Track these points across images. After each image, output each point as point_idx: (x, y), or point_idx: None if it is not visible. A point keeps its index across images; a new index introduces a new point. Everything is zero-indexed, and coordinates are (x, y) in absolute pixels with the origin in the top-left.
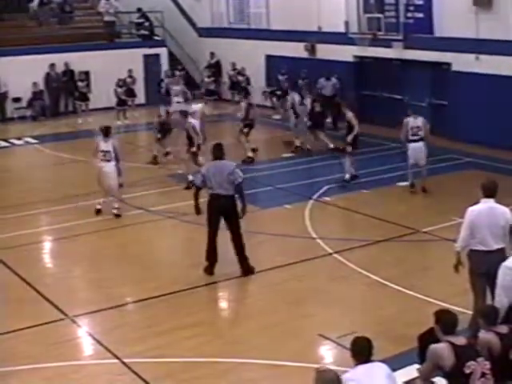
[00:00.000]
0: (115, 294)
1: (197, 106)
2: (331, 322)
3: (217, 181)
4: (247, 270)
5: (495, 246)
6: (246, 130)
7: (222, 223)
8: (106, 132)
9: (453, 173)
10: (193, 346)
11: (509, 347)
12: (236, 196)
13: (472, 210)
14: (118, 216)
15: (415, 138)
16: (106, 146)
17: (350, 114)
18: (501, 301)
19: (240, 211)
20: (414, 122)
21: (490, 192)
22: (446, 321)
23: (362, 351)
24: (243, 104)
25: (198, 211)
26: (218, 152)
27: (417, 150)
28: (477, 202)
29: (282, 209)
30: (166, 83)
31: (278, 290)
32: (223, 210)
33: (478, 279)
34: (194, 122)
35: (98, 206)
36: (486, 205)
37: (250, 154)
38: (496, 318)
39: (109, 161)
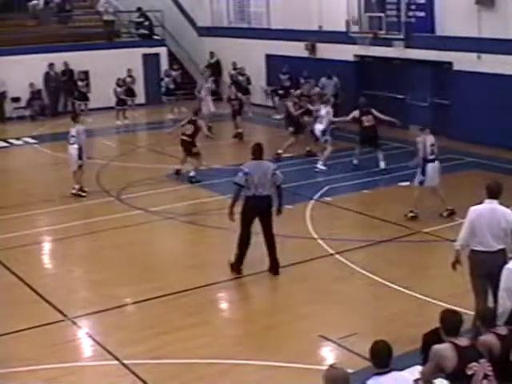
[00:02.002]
0: (115, 295)
1: (324, 110)
2: (332, 322)
3: (260, 181)
4: (277, 268)
5: (496, 247)
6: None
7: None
8: (73, 118)
9: (454, 173)
10: (193, 347)
11: (509, 348)
12: (272, 196)
13: (473, 210)
14: (77, 196)
15: (432, 157)
16: (72, 130)
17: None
18: (504, 303)
19: (277, 210)
20: (430, 138)
21: (493, 193)
22: (448, 321)
23: (379, 357)
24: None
25: (232, 216)
26: (259, 152)
27: (435, 171)
28: (480, 202)
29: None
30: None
31: (278, 291)
32: (261, 211)
33: (479, 280)
34: (318, 126)
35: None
36: (489, 205)
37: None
38: (494, 319)
39: (72, 144)
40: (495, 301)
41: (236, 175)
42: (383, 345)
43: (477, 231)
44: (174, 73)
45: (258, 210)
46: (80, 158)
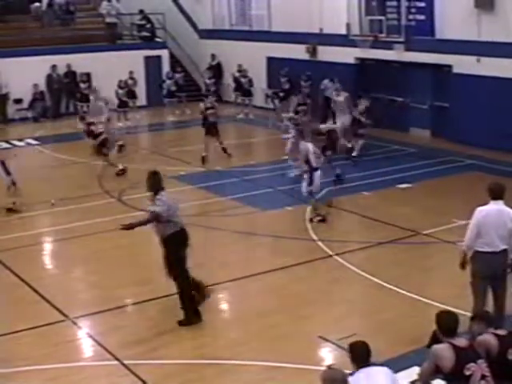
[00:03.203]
0: (115, 296)
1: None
2: (331, 324)
3: (177, 211)
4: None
5: (500, 247)
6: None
7: None
8: None
9: (454, 175)
10: (193, 347)
11: (507, 348)
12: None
13: (480, 211)
14: (14, 211)
15: (316, 165)
16: None
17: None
18: None
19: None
20: (311, 145)
21: (497, 194)
22: (445, 322)
23: (360, 355)
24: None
25: (132, 228)
26: (160, 181)
27: (320, 179)
28: (483, 204)
29: (282, 210)
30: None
31: (278, 292)
32: (186, 243)
33: (481, 282)
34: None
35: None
36: (495, 206)
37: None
38: (492, 321)
39: None
40: (495, 302)
41: (156, 205)
42: (362, 344)
43: (483, 232)
44: (175, 75)
45: (186, 242)
46: (7, 173)
